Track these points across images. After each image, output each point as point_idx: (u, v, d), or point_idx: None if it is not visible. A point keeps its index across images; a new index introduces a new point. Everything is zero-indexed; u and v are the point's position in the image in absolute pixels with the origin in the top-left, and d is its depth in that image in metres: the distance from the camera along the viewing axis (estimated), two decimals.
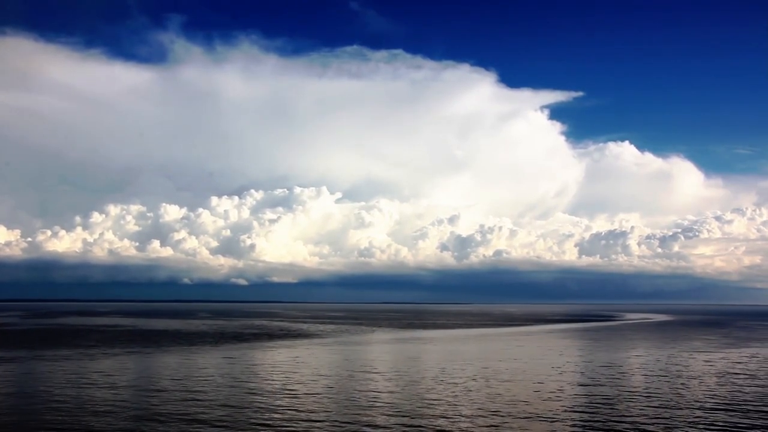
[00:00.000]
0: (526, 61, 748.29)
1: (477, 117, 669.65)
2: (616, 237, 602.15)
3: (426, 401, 31.67)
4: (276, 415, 28.03)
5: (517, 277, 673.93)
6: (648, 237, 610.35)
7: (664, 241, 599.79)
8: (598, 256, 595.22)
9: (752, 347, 67.85)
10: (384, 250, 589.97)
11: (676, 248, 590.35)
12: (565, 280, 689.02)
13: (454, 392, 34.44)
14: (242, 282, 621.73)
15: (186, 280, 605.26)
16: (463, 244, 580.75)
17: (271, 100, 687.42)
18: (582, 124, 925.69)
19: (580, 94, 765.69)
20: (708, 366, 47.83)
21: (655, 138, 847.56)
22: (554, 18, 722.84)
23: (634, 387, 36.64)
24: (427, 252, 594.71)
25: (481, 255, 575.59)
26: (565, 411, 29.28)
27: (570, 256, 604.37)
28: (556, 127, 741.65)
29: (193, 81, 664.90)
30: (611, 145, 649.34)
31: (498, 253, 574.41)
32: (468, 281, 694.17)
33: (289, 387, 36.08)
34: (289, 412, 28.85)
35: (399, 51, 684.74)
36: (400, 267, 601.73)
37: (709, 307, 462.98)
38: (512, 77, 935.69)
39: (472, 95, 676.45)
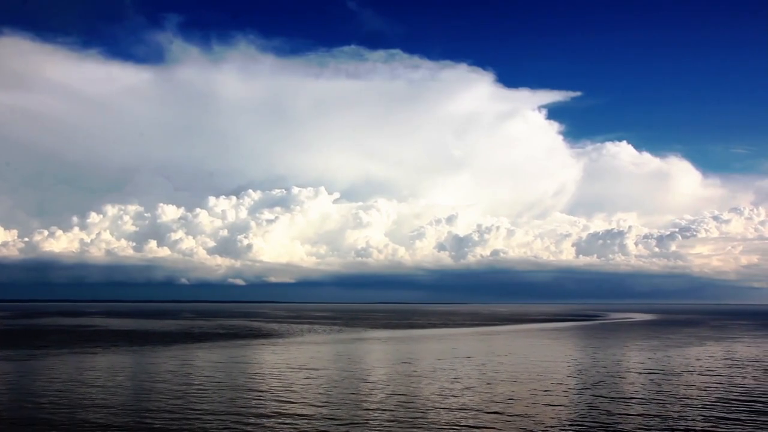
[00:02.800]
0: (523, 60, 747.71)
1: (475, 117, 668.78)
2: (614, 236, 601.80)
3: (324, 400, 32.11)
4: (168, 414, 28.46)
5: (514, 277, 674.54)
6: (645, 236, 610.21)
7: (661, 240, 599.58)
8: (595, 255, 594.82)
9: (703, 346, 68.11)
10: (381, 250, 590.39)
11: (673, 248, 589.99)
12: (563, 280, 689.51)
13: (354, 390, 34.91)
14: (240, 282, 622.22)
15: (183, 281, 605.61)
16: (460, 243, 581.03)
17: (268, 100, 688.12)
18: (580, 124, 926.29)
19: (578, 93, 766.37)
20: (638, 363, 48.17)
21: (652, 138, 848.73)
22: (552, 18, 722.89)
23: (539, 384, 37.01)
24: (424, 252, 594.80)
25: (478, 255, 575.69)
26: (453, 408, 29.69)
27: (567, 255, 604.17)
28: (554, 126, 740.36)
29: (191, 81, 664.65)
30: (609, 144, 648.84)
31: (495, 252, 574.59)
32: (465, 281, 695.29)
33: (204, 384, 36.53)
34: (180, 409, 29.29)
35: (396, 51, 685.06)
36: (397, 267, 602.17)
37: (705, 307, 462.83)
38: (510, 77, 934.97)
39: (470, 95, 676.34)
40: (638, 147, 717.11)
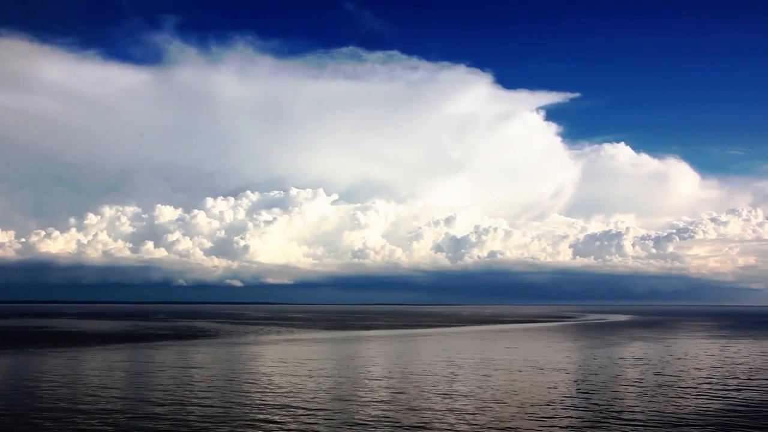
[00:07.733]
0: (522, 62, 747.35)
1: (473, 118, 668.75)
2: (611, 238, 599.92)
3: (210, 401, 32.51)
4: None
5: (511, 279, 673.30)
6: (642, 238, 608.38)
7: (658, 241, 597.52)
8: (592, 257, 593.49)
9: (621, 346, 68.27)
10: (378, 251, 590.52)
11: (670, 249, 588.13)
12: (560, 281, 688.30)
13: (249, 391, 35.30)
14: (237, 283, 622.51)
15: (181, 282, 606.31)
16: (457, 245, 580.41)
17: (266, 101, 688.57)
18: (578, 125, 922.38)
19: (576, 95, 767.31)
20: (559, 362, 48.46)
21: (650, 139, 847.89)
22: (550, 19, 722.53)
23: (436, 381, 37.33)
24: (421, 253, 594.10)
25: (475, 256, 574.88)
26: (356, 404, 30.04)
27: (564, 257, 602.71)
28: (552, 128, 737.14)
29: (189, 82, 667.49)
30: (607, 146, 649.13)
31: (492, 254, 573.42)
32: (463, 282, 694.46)
33: (92, 387, 37.01)
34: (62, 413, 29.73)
35: (395, 52, 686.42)
36: (394, 268, 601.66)
37: (700, 308, 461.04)
38: (508, 78, 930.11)
39: (468, 96, 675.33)
40: (636, 148, 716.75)
